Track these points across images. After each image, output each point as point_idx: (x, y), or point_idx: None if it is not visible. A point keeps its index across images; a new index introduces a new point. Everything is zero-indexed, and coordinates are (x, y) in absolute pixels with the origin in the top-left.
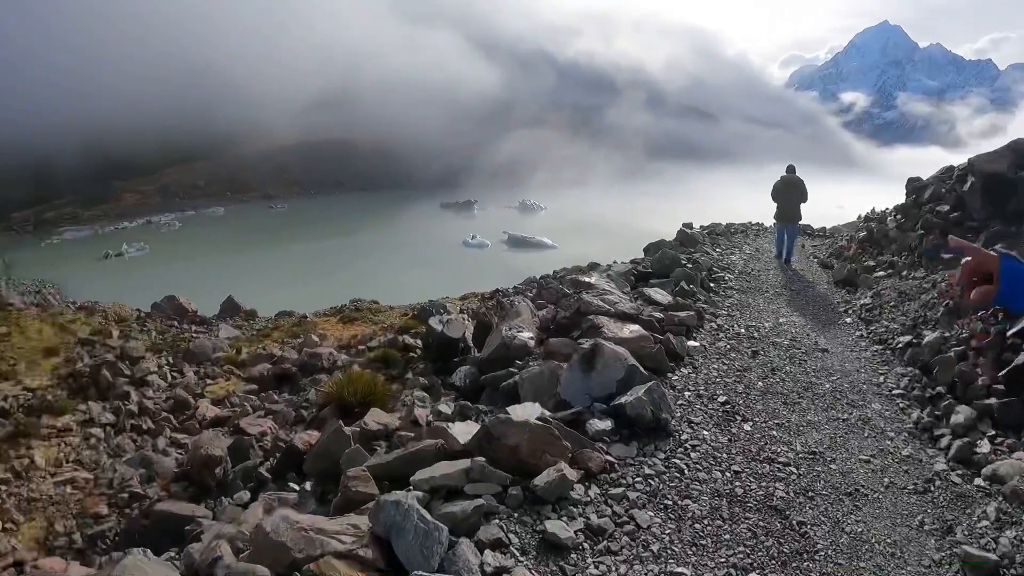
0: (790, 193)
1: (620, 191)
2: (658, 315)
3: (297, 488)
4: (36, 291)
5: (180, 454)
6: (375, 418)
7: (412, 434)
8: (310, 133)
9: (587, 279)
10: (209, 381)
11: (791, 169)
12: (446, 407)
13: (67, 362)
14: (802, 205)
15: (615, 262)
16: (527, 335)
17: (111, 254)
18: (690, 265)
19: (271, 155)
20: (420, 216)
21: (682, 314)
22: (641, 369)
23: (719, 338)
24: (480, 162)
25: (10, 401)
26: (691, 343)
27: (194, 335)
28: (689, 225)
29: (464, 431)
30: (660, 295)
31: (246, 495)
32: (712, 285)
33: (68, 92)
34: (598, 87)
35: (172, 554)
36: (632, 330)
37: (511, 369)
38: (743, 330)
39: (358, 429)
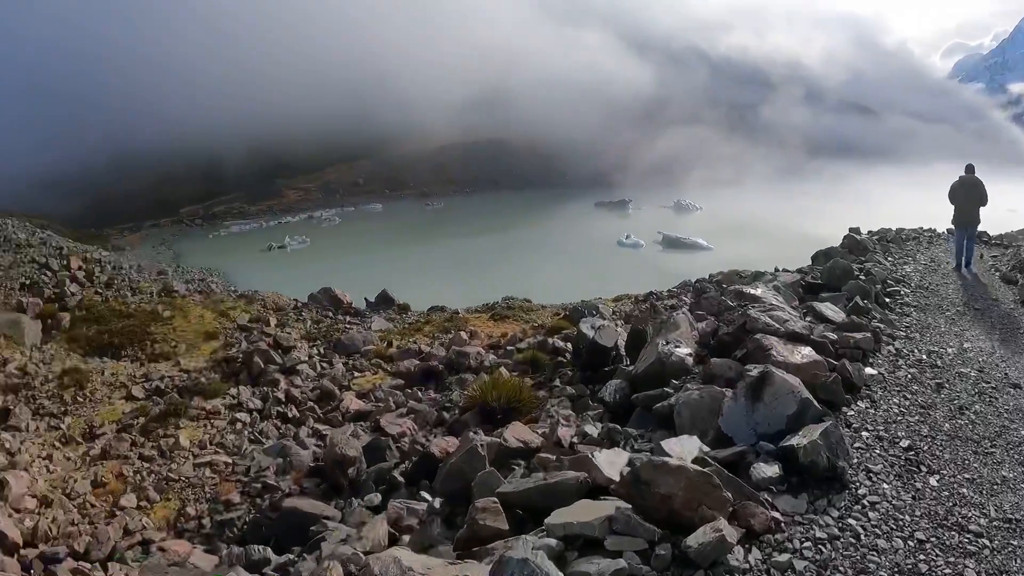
0: (969, 195)
1: (778, 191)
2: (831, 335)
3: (428, 499)
4: (202, 279)
5: (319, 446)
6: (516, 433)
7: (553, 457)
8: (466, 133)
9: (753, 291)
10: (356, 373)
11: (970, 169)
12: (592, 427)
13: (225, 347)
14: (980, 209)
15: (778, 270)
16: (685, 351)
17: (274, 246)
18: (864, 277)
19: (428, 154)
20: (575, 215)
21: (857, 335)
22: (815, 403)
23: (898, 365)
24: (635, 161)
25: (166, 381)
26: (868, 370)
27: (347, 326)
28: (856, 230)
29: (610, 462)
30: (832, 311)
31: (377, 498)
32: (887, 301)
33: (236, 97)
34: (753, 83)
35: (292, 556)
36: (804, 354)
37: (666, 389)
38: (924, 356)
39: (497, 442)
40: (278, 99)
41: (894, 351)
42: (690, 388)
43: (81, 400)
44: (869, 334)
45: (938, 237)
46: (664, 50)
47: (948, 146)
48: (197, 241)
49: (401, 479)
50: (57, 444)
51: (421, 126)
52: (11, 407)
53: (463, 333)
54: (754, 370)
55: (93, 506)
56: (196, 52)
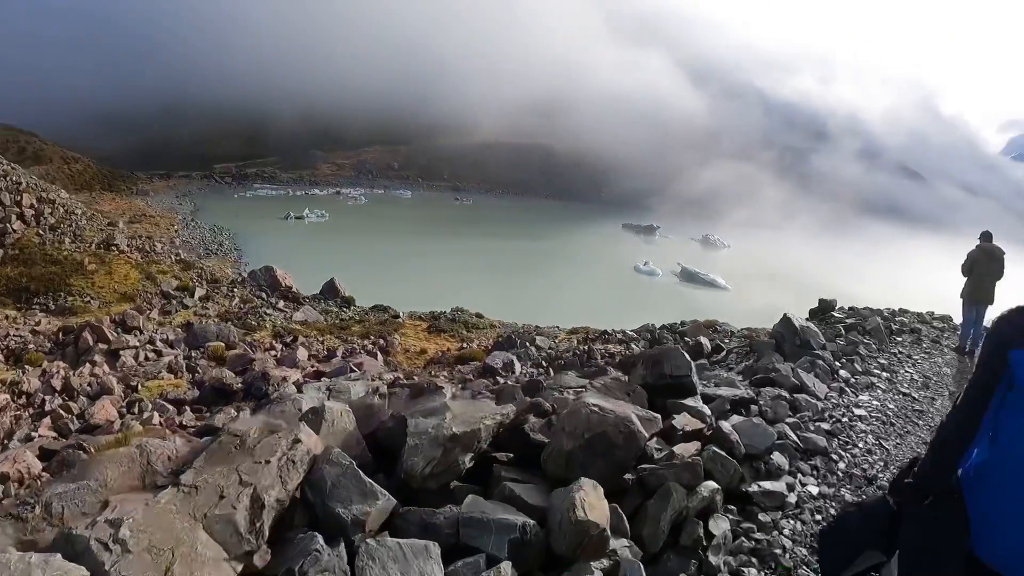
0: (990, 267)
1: (818, 243)
2: None
3: None
4: (148, 237)
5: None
6: None
7: None
8: (512, 135)
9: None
10: (165, 374)
11: (987, 236)
12: None
13: (137, 310)
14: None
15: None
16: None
17: (292, 216)
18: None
19: (469, 150)
20: (600, 233)
21: None
22: None
23: None
24: (672, 188)
25: (8, 340)
26: None
27: (274, 311)
28: (831, 304)
29: None
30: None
31: None
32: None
33: (289, 62)
34: (808, 130)
35: None
36: None
37: None
38: None
39: None
40: (334, 72)
41: None
42: None
43: None
44: None
45: (952, 330)
46: (723, 82)
47: (992, 222)
48: (221, 198)
49: None
50: None
51: (467, 121)
52: None
53: (301, 347)
54: None
55: None
56: (262, 13)
